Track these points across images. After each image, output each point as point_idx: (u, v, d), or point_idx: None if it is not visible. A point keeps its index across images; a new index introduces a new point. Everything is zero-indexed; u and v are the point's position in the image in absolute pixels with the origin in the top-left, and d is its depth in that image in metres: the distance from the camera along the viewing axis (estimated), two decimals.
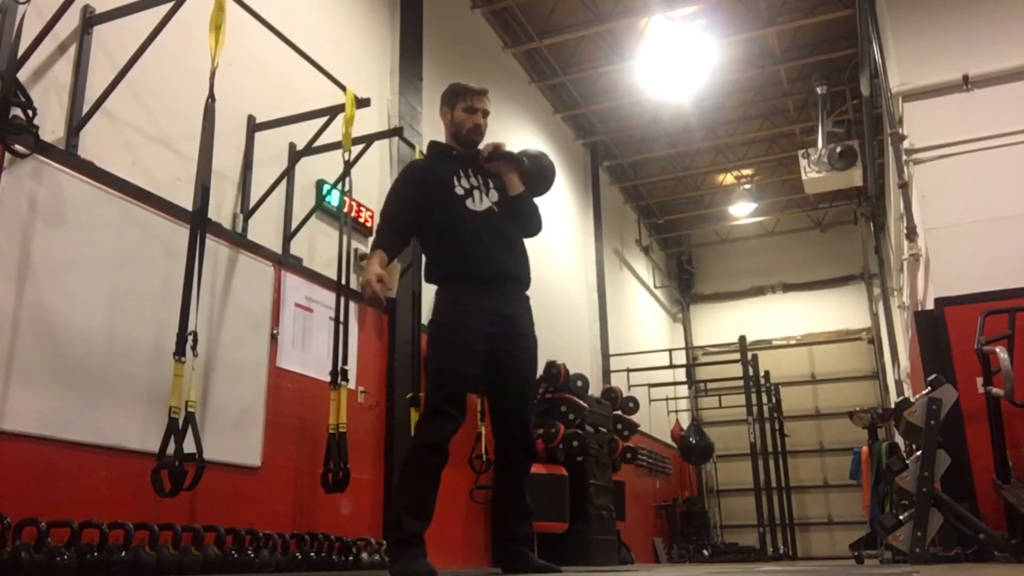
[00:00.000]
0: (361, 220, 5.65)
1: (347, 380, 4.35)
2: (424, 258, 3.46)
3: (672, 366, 13.13)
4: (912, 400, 4.94)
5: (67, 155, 3.61)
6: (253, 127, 4.83)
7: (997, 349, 4.80)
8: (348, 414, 4.30)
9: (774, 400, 12.45)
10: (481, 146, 3.43)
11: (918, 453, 4.71)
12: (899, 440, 7.11)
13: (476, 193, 3.31)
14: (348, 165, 4.60)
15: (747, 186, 13.31)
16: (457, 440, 3.15)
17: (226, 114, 4.32)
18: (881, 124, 8.63)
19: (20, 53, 3.38)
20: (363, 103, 4.58)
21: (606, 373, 10.61)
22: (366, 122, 5.47)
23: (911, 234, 6.39)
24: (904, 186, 6.42)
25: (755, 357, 12.01)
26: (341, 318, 4.42)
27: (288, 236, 4.99)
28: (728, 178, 13.25)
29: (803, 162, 9.95)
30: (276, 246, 4.89)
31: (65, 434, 3.37)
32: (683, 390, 13.91)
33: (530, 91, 9.58)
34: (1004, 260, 5.64)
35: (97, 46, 3.85)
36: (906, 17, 6.60)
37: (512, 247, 3.32)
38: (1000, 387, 4.72)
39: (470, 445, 5.76)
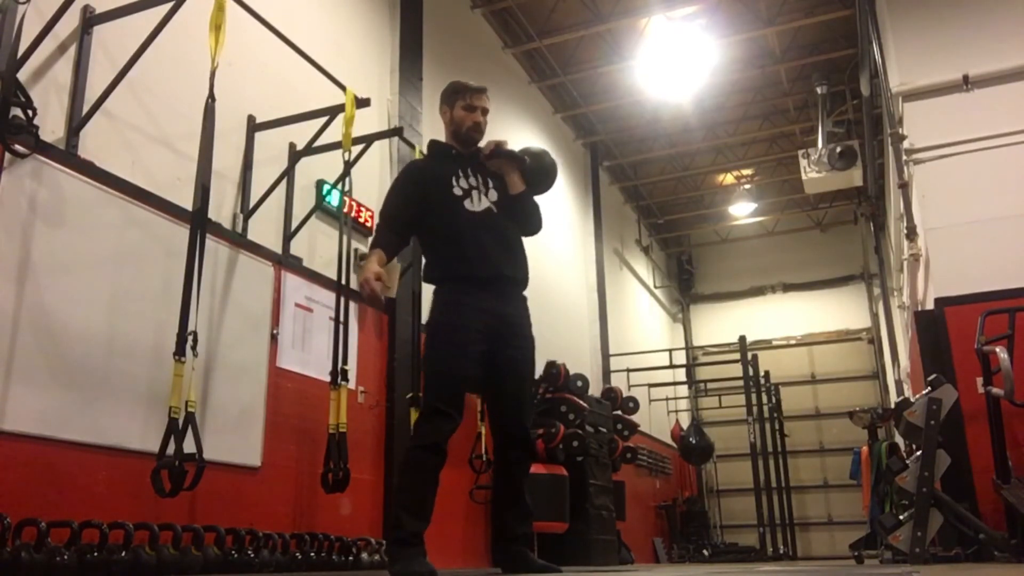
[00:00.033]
0: (361, 220, 5.65)
1: (347, 380, 4.35)
2: (423, 258, 3.46)
3: (672, 366, 13.14)
4: (912, 400, 4.94)
5: (67, 155, 3.61)
6: (253, 127, 4.83)
7: (997, 349, 4.80)
8: (348, 414, 4.30)
9: (774, 400, 12.45)
10: (482, 144, 3.43)
11: (918, 453, 4.71)
12: (899, 440, 7.11)
13: (475, 193, 3.31)
14: (348, 165, 4.60)
15: (747, 186, 13.31)
16: (457, 440, 3.15)
17: (226, 114, 4.32)
18: (881, 124, 8.64)
19: (20, 53, 3.38)
20: (363, 103, 4.58)
21: (606, 373, 10.61)
22: (366, 122, 5.47)
23: (911, 234, 6.39)
24: (904, 186, 6.42)
25: (755, 357, 12.01)
26: (341, 318, 4.42)
27: (288, 236, 4.99)
28: (728, 178, 13.25)
29: (803, 162, 9.96)
30: (276, 246, 4.89)
31: (65, 434, 3.37)
32: (683, 390, 13.91)
33: (530, 91, 9.59)
34: (1004, 260, 5.64)
35: (97, 46, 3.85)
36: (906, 17, 6.60)
37: (510, 247, 3.32)
38: (1000, 387, 4.72)
39: (470, 445, 5.76)
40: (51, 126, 3.58)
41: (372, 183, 5.91)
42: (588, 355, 10.27)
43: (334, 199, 5.37)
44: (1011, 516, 4.65)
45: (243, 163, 4.75)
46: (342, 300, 4.47)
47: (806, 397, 14.33)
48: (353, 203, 5.42)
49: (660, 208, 13.93)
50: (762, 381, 12.07)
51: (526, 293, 3.39)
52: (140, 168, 4.02)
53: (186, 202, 3.79)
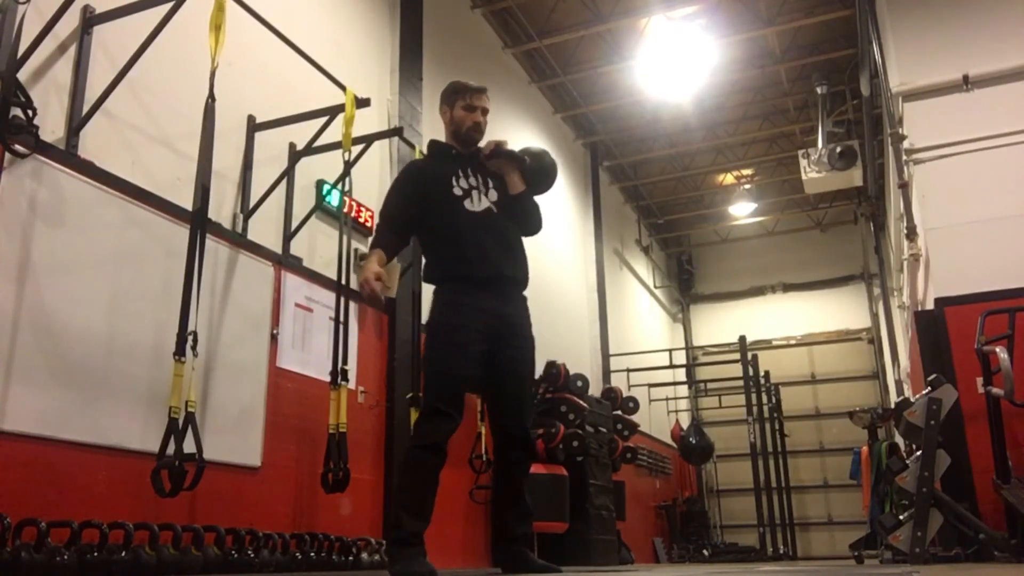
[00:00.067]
0: (361, 220, 5.65)
1: (347, 380, 4.35)
2: (423, 258, 3.46)
3: (672, 366, 13.14)
4: (912, 400, 4.94)
5: (67, 155, 3.61)
6: (253, 127, 4.83)
7: (997, 349, 4.80)
8: (348, 414, 4.30)
9: (774, 400, 12.45)
10: (482, 144, 3.43)
11: (918, 453, 4.71)
12: (899, 440, 7.11)
13: (475, 193, 3.31)
14: (348, 165, 4.60)
15: (747, 186, 13.31)
16: (457, 440, 3.15)
17: (226, 114, 4.32)
18: (881, 124, 8.64)
19: (20, 53, 3.38)
20: (363, 103, 4.58)
21: (606, 373, 10.61)
22: (366, 122, 5.47)
23: (911, 234, 6.39)
24: (904, 186, 6.42)
25: (755, 357, 12.01)
26: (341, 318, 4.42)
27: (288, 236, 4.99)
28: (728, 178, 13.25)
29: (803, 162, 9.96)
30: (276, 246, 4.89)
31: (65, 434, 3.37)
32: (683, 390, 13.91)
33: (530, 91, 9.59)
34: (1004, 260, 5.64)
35: (97, 46, 3.85)
36: (906, 17, 6.60)
37: (510, 248, 3.32)
38: (1000, 387, 4.72)
39: (470, 445, 5.76)
40: (51, 126, 3.58)
41: (372, 183, 5.91)
42: (588, 355, 10.27)
43: (334, 199, 5.37)
44: (1011, 516, 4.65)
45: (243, 163, 4.75)
46: (342, 300, 4.47)
47: (806, 397, 14.34)
48: (353, 203, 5.42)
49: (660, 208, 13.94)
50: (762, 381, 12.07)
51: (526, 293, 3.39)
52: (140, 168, 4.02)
53: (186, 202, 3.79)
